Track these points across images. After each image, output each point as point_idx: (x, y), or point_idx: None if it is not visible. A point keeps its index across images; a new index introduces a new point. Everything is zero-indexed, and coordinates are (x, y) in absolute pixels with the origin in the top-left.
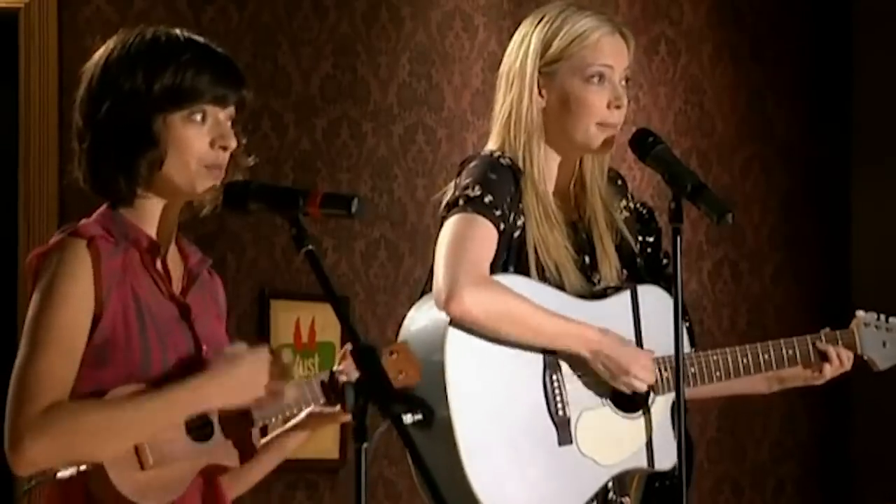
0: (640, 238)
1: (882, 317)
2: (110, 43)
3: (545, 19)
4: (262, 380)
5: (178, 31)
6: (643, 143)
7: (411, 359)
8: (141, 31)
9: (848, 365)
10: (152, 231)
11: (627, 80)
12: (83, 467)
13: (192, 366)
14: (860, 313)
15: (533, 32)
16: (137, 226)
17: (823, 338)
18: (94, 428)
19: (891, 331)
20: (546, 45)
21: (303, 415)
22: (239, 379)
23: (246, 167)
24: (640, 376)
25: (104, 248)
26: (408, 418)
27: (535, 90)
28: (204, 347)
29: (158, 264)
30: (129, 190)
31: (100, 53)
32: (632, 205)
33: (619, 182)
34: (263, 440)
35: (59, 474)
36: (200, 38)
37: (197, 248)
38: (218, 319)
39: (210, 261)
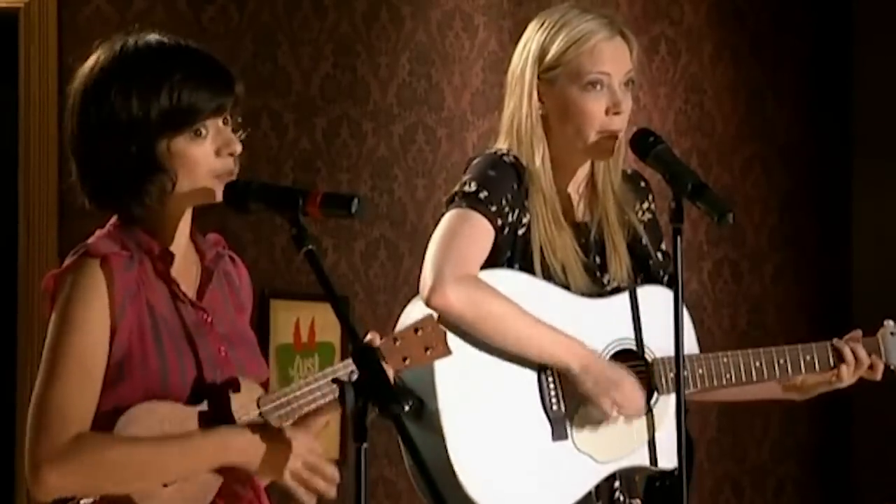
0: (660, 241)
1: None
2: (96, 59)
3: (546, 23)
4: (293, 464)
5: (160, 38)
6: (643, 143)
7: (439, 333)
8: (124, 45)
9: (878, 369)
10: (164, 237)
11: (632, 82)
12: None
13: (210, 373)
14: (889, 322)
15: (534, 37)
16: (149, 234)
17: (840, 343)
18: (118, 467)
19: None
20: (544, 52)
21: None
22: (272, 454)
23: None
24: (632, 398)
25: (117, 264)
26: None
27: (535, 96)
28: (222, 349)
29: (173, 271)
30: (140, 210)
31: (87, 70)
32: (654, 206)
33: (643, 184)
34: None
35: (83, 502)
36: (186, 44)
37: (217, 238)
38: (240, 312)
39: (227, 253)
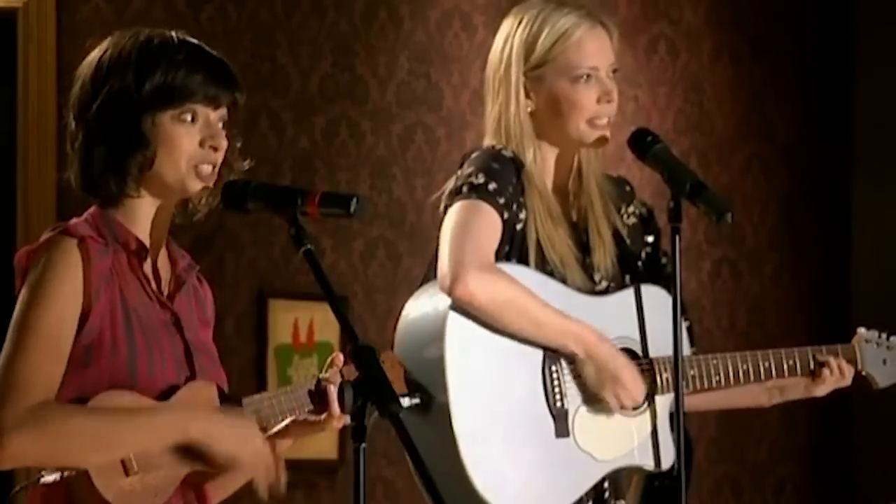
0: (645, 241)
1: (883, 335)
2: (104, 44)
3: (525, 21)
4: (251, 451)
5: (173, 32)
6: (642, 143)
7: (398, 369)
8: (136, 33)
9: (848, 378)
10: (142, 233)
11: (615, 71)
12: (67, 473)
13: (178, 369)
14: (861, 330)
15: (514, 35)
16: (127, 227)
17: (824, 350)
18: (81, 436)
19: (891, 349)
20: (529, 50)
21: (286, 422)
22: (228, 433)
23: (241, 171)
24: (630, 389)
25: (94, 249)
26: (405, 402)
27: (522, 95)
28: (191, 350)
29: (146, 267)
30: (119, 189)
31: (93, 55)
32: (638, 210)
33: (628, 188)
34: None
35: (43, 479)
36: (196, 41)
37: (185, 253)
38: (204, 326)
39: (198, 267)
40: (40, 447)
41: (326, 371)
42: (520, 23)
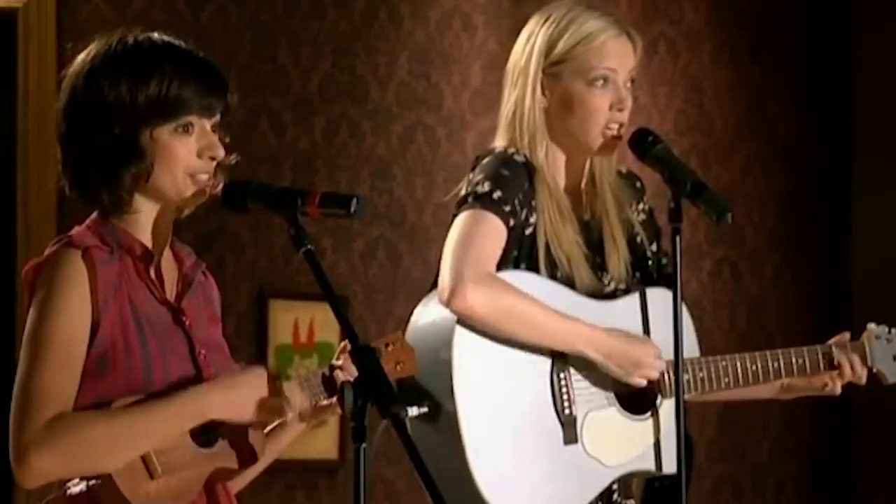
0: (653, 240)
1: (893, 330)
2: (91, 49)
3: (551, 19)
4: (262, 395)
5: (159, 35)
6: (642, 143)
7: (407, 349)
8: (122, 37)
9: (863, 377)
10: (145, 237)
11: (633, 81)
12: (93, 482)
13: (191, 371)
14: (871, 326)
15: (539, 32)
16: (130, 233)
17: (834, 349)
18: (100, 438)
19: None
20: (551, 46)
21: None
22: (242, 393)
23: (228, 165)
24: (655, 362)
25: (99, 257)
26: (413, 411)
27: (539, 90)
28: (202, 352)
29: (152, 272)
30: (113, 204)
31: (81, 59)
32: (648, 207)
33: (638, 184)
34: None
35: (70, 490)
36: (182, 44)
37: (191, 250)
38: (214, 323)
39: (204, 265)
40: (62, 459)
41: (338, 358)
42: (546, 20)
